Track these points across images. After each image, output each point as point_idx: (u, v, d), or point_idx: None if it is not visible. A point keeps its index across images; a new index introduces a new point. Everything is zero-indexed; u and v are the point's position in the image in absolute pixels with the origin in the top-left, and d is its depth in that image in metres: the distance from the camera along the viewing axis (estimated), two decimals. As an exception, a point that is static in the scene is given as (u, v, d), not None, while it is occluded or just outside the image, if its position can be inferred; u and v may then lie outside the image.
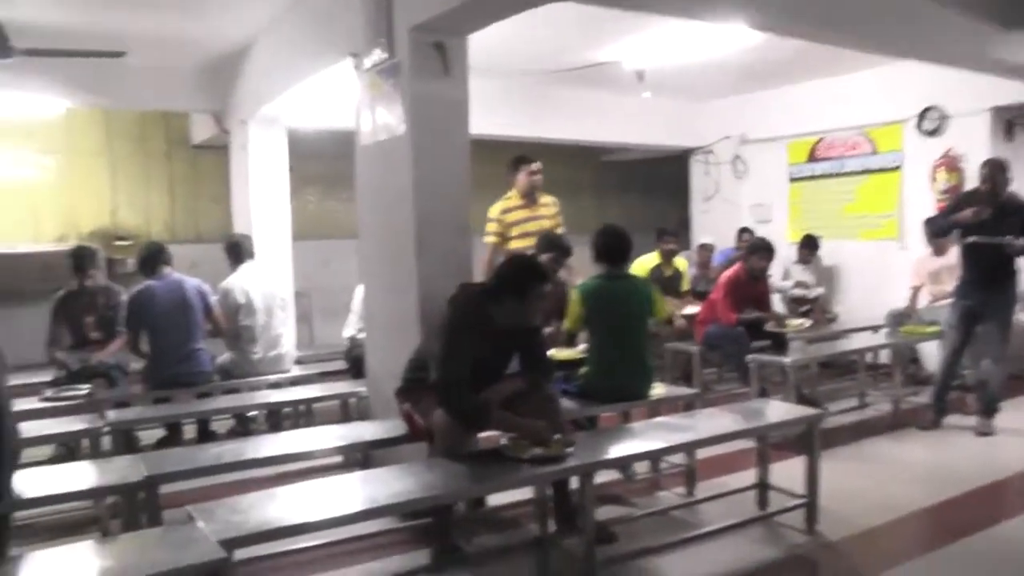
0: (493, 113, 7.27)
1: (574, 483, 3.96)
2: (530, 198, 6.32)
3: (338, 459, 5.36)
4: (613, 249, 4.96)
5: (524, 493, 4.41)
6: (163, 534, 3.09)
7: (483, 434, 4.23)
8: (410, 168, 4.51)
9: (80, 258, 6.20)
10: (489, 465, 3.66)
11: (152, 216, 9.69)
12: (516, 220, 6.27)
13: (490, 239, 6.32)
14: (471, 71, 4.67)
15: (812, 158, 9.86)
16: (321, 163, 9.90)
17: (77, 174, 9.33)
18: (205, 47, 7.82)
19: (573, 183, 12.19)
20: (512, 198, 6.35)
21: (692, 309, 7.72)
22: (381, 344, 5.03)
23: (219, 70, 8.35)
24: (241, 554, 3.03)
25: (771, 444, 4.78)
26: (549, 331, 5.33)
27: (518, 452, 3.67)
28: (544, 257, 5.49)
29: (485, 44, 4.93)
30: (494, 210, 6.33)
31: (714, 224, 10.59)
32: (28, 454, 4.72)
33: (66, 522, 4.66)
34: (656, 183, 13.04)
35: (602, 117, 9.69)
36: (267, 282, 6.39)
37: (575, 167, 12.22)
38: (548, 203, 6.42)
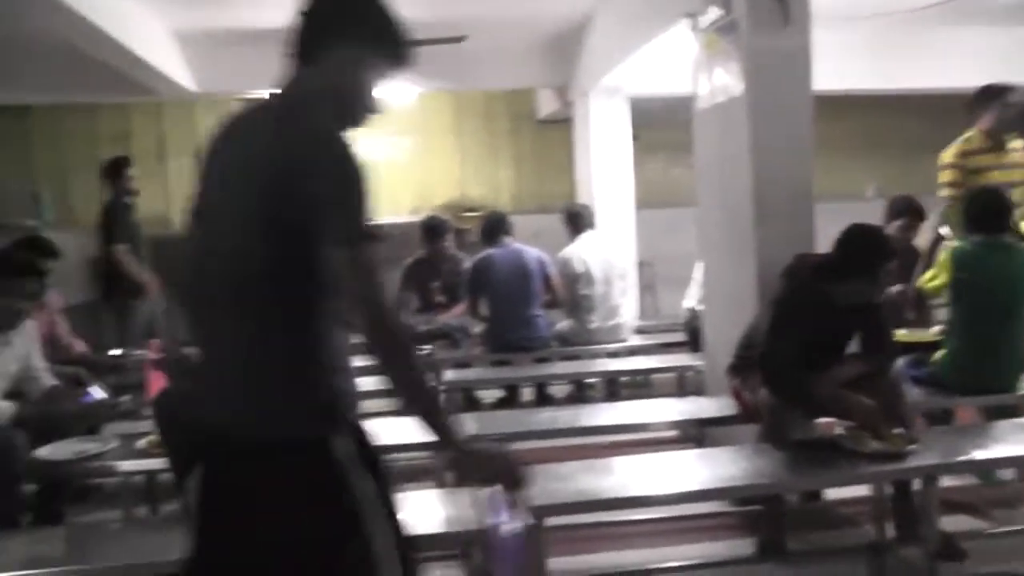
0: (839, 65, 6.67)
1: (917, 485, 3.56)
2: (997, 140, 5.24)
3: (672, 433, 5.29)
4: (988, 214, 4.33)
5: (862, 490, 4.03)
6: (483, 493, 3.17)
7: (821, 420, 3.96)
8: (747, 129, 4.29)
9: (430, 228, 6.61)
10: (824, 456, 3.39)
11: (498, 188, 10.18)
12: (980, 167, 5.24)
13: (947, 192, 5.22)
14: (813, 20, 4.32)
15: None
16: (666, 131, 9.77)
17: (429, 152, 10.03)
18: (546, 24, 8.00)
19: (939, 141, 10.99)
20: (973, 139, 5.31)
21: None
22: (718, 317, 4.87)
23: (561, 45, 8.52)
24: (559, 520, 3.07)
25: None
26: (898, 289, 4.88)
27: (856, 445, 3.36)
28: (894, 225, 5.03)
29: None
30: (948, 154, 5.32)
31: None
32: (375, 405, 5.23)
33: (407, 470, 4.90)
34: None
35: (979, 57, 8.45)
36: (606, 252, 6.41)
37: (941, 122, 11.01)
38: (1020, 148, 5.35)
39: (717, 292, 4.89)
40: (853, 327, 3.79)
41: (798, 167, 4.35)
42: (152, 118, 9.44)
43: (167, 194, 9.42)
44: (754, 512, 4.01)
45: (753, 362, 3.84)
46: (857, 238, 3.65)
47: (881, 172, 10.42)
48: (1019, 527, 4.10)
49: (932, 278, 4.44)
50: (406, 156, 9.94)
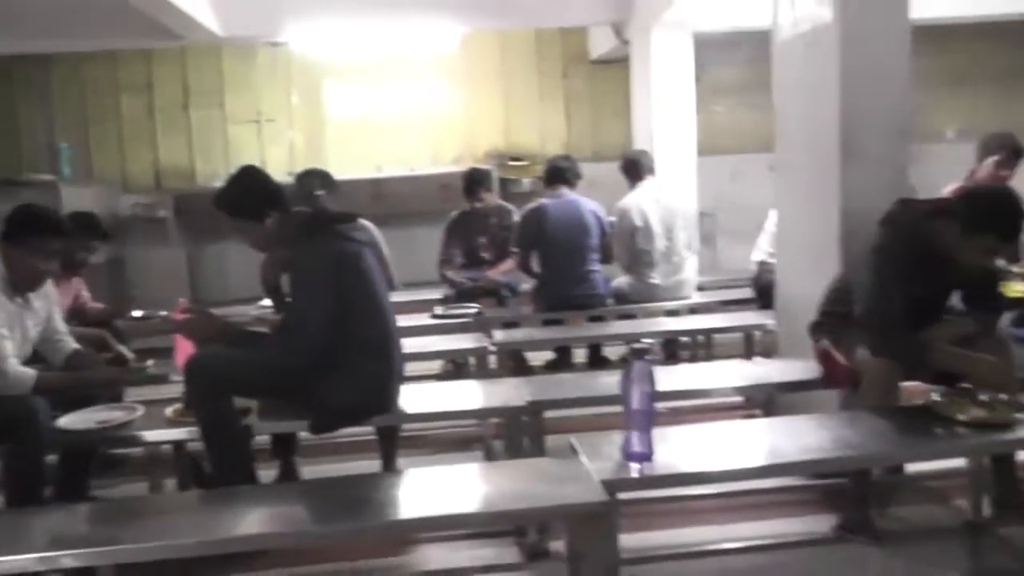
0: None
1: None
2: None
3: (737, 400, 5.15)
4: None
5: (952, 462, 3.81)
6: (544, 466, 3.10)
7: (907, 384, 3.72)
8: (836, 60, 4.05)
9: (471, 180, 6.41)
10: (916, 425, 3.17)
11: (548, 136, 9.91)
12: None
13: None
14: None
15: None
16: (732, 70, 9.48)
17: (474, 98, 9.75)
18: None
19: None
20: None
21: None
22: (795, 269, 4.63)
23: (619, -23, 8.18)
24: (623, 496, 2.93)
25: None
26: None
27: (953, 412, 3.13)
28: (988, 161, 4.82)
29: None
30: None
31: None
32: (418, 368, 5.16)
33: (452, 438, 4.94)
34: None
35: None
36: (668, 201, 6.18)
37: None
38: None
39: (795, 242, 4.66)
40: (958, 280, 3.58)
41: (893, 102, 4.09)
42: (175, 66, 9.21)
43: (191, 145, 9.28)
44: (835, 487, 3.82)
45: (843, 319, 3.65)
46: (999, 202, 3.43)
47: (963, 111, 10.00)
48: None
49: None
50: (450, 103, 9.71)
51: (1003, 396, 3.20)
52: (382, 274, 3.77)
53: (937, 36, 8.77)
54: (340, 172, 6.38)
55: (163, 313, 5.86)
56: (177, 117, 9.22)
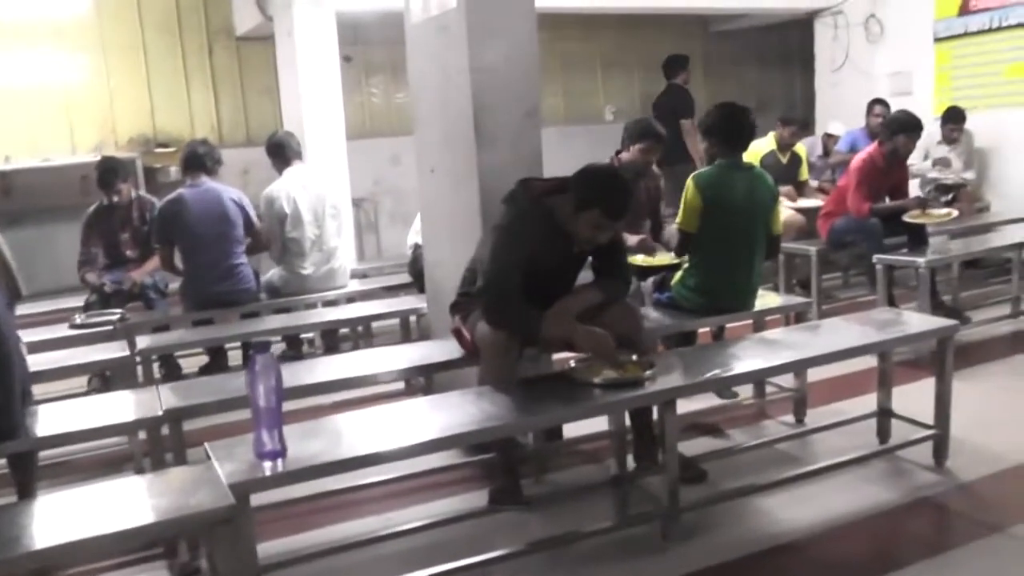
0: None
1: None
2: None
3: (399, 385, 5.31)
4: (734, 131, 4.56)
5: (604, 423, 4.16)
6: (177, 476, 2.96)
7: (557, 355, 4.04)
8: (464, 44, 4.20)
9: (105, 171, 6.06)
10: (558, 391, 3.43)
11: (196, 119, 9.61)
12: None
13: None
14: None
15: (965, 10, 9.07)
16: (386, 51, 9.65)
17: (112, 74, 9.28)
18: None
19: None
20: None
21: (811, 202, 7.33)
22: (440, 252, 4.79)
23: (260, -52, 8.11)
24: (272, 497, 2.98)
25: (900, 363, 4.40)
26: (641, 238, 5.09)
27: (588, 376, 3.43)
28: (635, 148, 5.21)
29: None
30: None
31: (842, 99, 9.99)
32: (60, 386, 4.97)
33: (101, 459, 4.73)
34: (775, 55, 12.40)
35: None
36: (317, 187, 6.18)
37: (681, 39, 11.76)
38: None
39: (439, 225, 4.81)
40: (584, 254, 3.84)
41: (523, 86, 4.31)
42: None
43: None
44: (491, 461, 4.03)
45: (473, 297, 3.83)
46: (602, 178, 3.70)
47: (617, 93, 10.83)
48: (756, 442, 4.42)
49: (688, 212, 4.56)
50: (87, 82, 9.14)
51: (635, 356, 3.54)
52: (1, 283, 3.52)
53: (585, 23, 9.45)
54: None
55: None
56: None
